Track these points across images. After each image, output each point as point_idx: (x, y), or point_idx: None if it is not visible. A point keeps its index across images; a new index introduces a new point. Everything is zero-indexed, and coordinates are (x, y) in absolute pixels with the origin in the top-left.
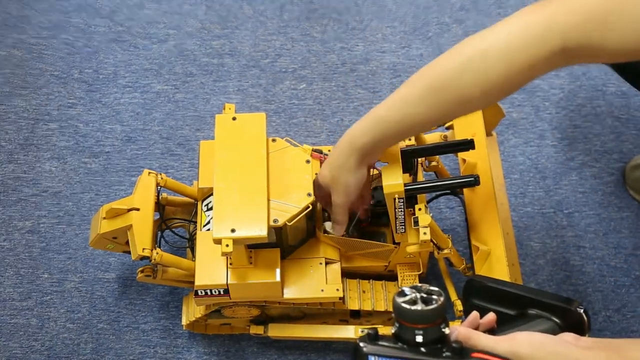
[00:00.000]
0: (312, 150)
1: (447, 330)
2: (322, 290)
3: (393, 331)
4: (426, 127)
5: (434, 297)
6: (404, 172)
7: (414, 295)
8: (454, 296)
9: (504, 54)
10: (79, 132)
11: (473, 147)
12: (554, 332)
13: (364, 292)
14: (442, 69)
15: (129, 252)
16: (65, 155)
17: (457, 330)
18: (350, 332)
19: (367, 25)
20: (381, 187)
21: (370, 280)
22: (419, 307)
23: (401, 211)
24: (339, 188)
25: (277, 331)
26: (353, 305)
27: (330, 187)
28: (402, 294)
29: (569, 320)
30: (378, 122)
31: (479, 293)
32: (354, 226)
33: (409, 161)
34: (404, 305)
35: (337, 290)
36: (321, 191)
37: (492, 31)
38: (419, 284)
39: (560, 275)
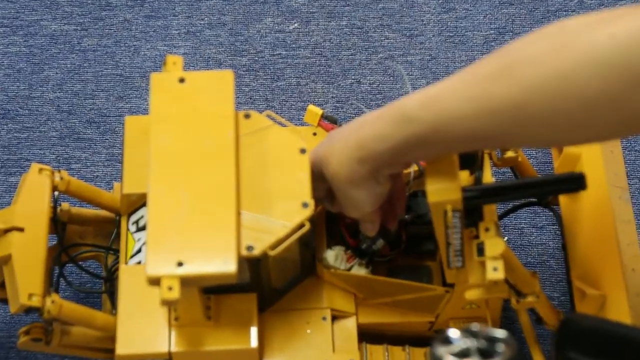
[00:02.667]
0: (321, 118)
1: None
2: None
3: None
4: (482, 146)
5: (498, 345)
6: (461, 168)
7: (465, 342)
8: None
9: None
10: None
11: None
12: None
13: None
14: (506, 51)
15: (6, 301)
16: None
17: None
18: None
19: None
20: (423, 194)
21: (406, 347)
22: None
23: (457, 233)
24: (346, 203)
25: None
26: None
27: (336, 196)
28: (446, 340)
29: None
30: (404, 121)
31: (582, 341)
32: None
33: (469, 151)
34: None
35: None
36: (321, 180)
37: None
38: (474, 326)
39: None
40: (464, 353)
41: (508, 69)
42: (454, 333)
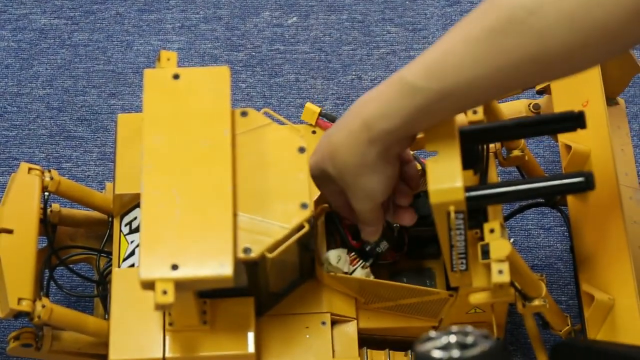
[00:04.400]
0: (319, 116)
1: None
2: None
3: None
4: (492, 98)
5: (475, 339)
6: (465, 167)
7: (445, 338)
8: None
9: None
10: None
11: (583, 125)
12: None
13: None
14: (507, 3)
15: None
16: None
17: None
18: None
19: None
20: (425, 194)
21: (409, 353)
22: (458, 353)
23: (461, 234)
24: (358, 194)
25: None
26: None
27: (343, 189)
28: (427, 339)
29: None
30: (410, 93)
31: None
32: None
33: (473, 149)
34: (437, 353)
35: None
36: (326, 185)
37: None
38: (452, 327)
39: None
40: (446, 347)
41: (514, 19)
42: (434, 333)
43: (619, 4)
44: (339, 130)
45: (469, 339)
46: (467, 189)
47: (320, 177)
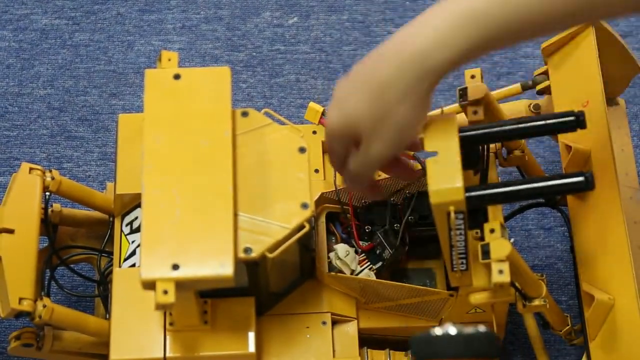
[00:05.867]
0: (322, 115)
1: None
2: None
3: None
4: (560, 29)
5: (472, 327)
6: (465, 167)
7: (443, 328)
8: None
9: None
10: None
11: (583, 126)
12: None
13: None
14: None
15: None
16: None
17: None
18: None
19: None
20: (425, 194)
21: (409, 353)
22: (455, 330)
23: (461, 235)
24: (389, 132)
25: None
26: None
27: (367, 131)
28: (424, 333)
29: None
30: (474, 25)
31: None
32: (380, 260)
33: (473, 150)
34: (436, 330)
35: None
36: (337, 140)
37: None
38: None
39: None
40: (445, 331)
41: None
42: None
43: None
44: (384, 65)
45: (467, 328)
46: (467, 189)
47: (343, 131)
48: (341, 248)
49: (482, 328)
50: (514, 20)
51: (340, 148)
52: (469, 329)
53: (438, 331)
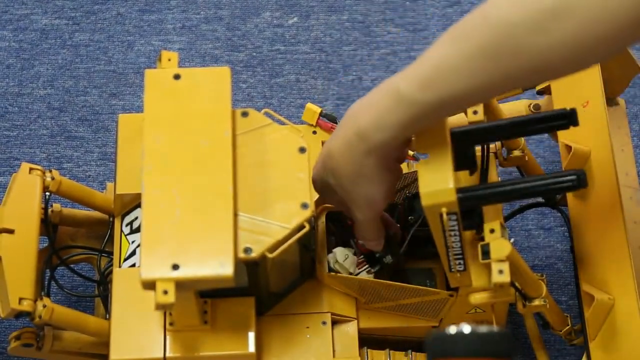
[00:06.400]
0: (319, 116)
1: None
2: None
3: None
4: (488, 100)
5: (487, 326)
6: (459, 167)
7: (458, 326)
8: None
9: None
10: None
11: (575, 123)
12: None
13: None
14: (505, 21)
15: None
16: None
17: None
18: None
19: None
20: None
21: (409, 352)
22: (469, 329)
23: (455, 235)
24: (360, 203)
25: None
26: None
27: (344, 200)
28: (438, 330)
29: None
30: (405, 105)
31: None
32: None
33: (468, 149)
34: (451, 329)
35: None
36: (330, 195)
37: None
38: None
39: None
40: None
41: (509, 39)
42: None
43: (619, 13)
44: (336, 141)
45: (482, 327)
46: (459, 190)
47: (323, 187)
48: (340, 252)
49: (497, 327)
50: (437, 101)
51: (330, 200)
52: (484, 328)
53: (452, 329)
